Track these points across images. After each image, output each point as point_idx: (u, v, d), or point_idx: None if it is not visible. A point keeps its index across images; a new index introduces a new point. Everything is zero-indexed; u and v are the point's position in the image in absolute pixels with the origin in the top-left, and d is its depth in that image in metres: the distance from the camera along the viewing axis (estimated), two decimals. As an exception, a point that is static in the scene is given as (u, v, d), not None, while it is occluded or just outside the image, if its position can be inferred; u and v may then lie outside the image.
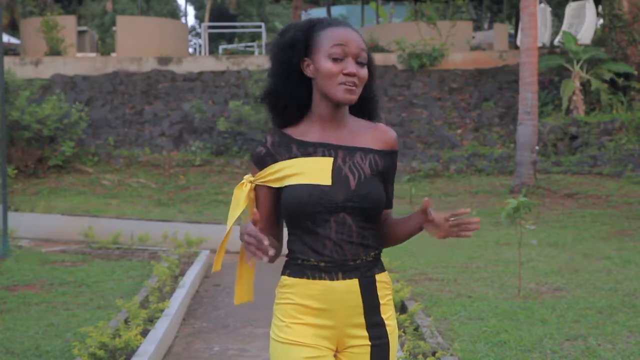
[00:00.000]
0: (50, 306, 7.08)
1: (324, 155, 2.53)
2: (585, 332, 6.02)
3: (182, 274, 8.53)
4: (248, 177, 2.58)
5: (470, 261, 9.24)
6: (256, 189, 2.57)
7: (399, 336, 5.57)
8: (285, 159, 2.54)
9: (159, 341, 5.70)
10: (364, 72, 2.52)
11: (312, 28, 2.56)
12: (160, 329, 6.00)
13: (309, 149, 2.55)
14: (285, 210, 2.52)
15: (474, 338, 5.88)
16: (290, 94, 2.59)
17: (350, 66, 2.49)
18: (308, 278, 2.51)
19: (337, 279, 2.50)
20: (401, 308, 6.56)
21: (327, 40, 2.51)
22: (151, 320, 6.25)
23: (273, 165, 2.54)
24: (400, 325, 5.73)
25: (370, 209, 2.51)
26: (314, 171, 2.49)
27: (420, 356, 5.08)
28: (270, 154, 2.55)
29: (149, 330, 5.95)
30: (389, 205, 2.65)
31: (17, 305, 7.09)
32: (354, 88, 2.50)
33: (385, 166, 2.59)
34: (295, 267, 2.53)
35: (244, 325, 6.91)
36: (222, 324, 7.01)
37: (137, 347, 5.41)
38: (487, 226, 12.16)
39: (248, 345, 6.30)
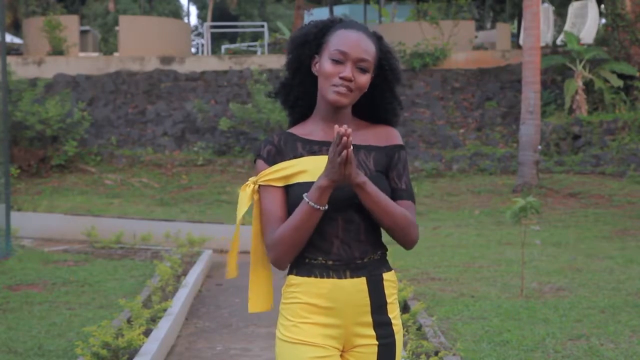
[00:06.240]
0: (52, 306, 7.09)
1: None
2: (588, 331, 6.02)
3: (185, 273, 8.54)
4: (252, 179, 2.59)
5: (473, 261, 9.23)
6: (262, 190, 2.56)
7: (402, 335, 5.57)
8: (290, 158, 2.55)
9: (161, 341, 5.71)
10: (362, 79, 2.52)
11: (327, 27, 2.58)
12: (163, 329, 6.00)
13: (314, 148, 2.56)
14: (292, 208, 2.52)
15: (477, 337, 5.87)
16: (300, 89, 2.62)
17: (347, 71, 2.49)
18: (316, 277, 2.51)
19: (346, 278, 2.51)
20: (404, 307, 6.56)
21: (334, 42, 2.53)
22: (154, 320, 6.25)
23: (279, 163, 2.55)
24: (403, 325, 5.72)
25: None
26: (320, 170, 2.49)
27: (423, 356, 5.08)
28: (279, 152, 2.57)
29: (151, 330, 5.96)
30: (404, 196, 2.59)
31: (19, 305, 7.09)
32: (346, 92, 2.50)
33: (389, 161, 2.60)
34: (303, 266, 2.53)
35: (246, 325, 6.92)
36: (224, 324, 7.01)
37: (140, 346, 5.41)
38: (490, 225, 12.15)
39: (251, 345, 6.30)
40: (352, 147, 2.36)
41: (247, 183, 2.58)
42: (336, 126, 2.35)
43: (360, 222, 2.51)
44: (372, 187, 2.46)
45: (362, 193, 2.45)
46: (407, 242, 2.57)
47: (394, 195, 2.58)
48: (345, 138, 2.32)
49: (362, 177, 2.43)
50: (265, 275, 2.66)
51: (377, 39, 2.59)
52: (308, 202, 2.43)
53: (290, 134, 2.60)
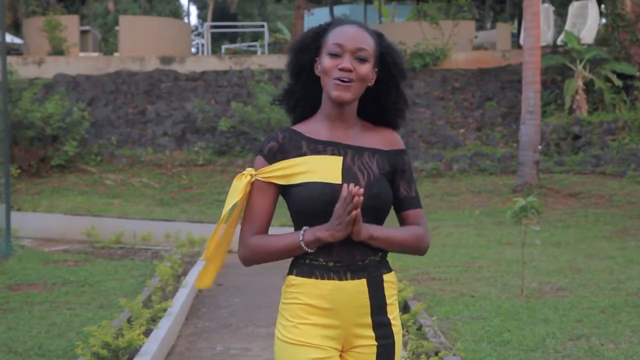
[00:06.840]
0: (53, 306, 7.09)
1: (333, 154, 2.54)
2: (588, 331, 6.02)
3: (185, 273, 8.53)
4: (250, 170, 2.57)
5: (473, 261, 9.23)
6: (257, 184, 2.56)
7: (402, 335, 5.58)
8: (294, 156, 2.54)
9: (161, 341, 5.71)
10: (363, 68, 2.51)
11: (324, 30, 2.59)
12: (163, 329, 6.00)
13: (318, 147, 2.55)
14: (295, 208, 2.52)
15: (477, 338, 5.87)
16: (303, 94, 2.62)
17: (345, 62, 2.49)
18: (317, 278, 2.51)
19: (346, 279, 2.51)
20: (404, 308, 6.56)
21: (330, 38, 2.54)
22: (154, 320, 6.25)
23: (282, 161, 2.54)
24: (403, 325, 5.73)
25: (380, 208, 2.52)
26: (325, 169, 2.50)
27: (423, 356, 5.08)
28: (282, 150, 2.55)
29: (151, 330, 5.96)
30: (415, 204, 2.63)
31: (20, 305, 7.09)
32: (348, 84, 2.49)
33: (393, 166, 2.60)
34: (303, 267, 2.53)
35: (246, 325, 6.91)
36: (224, 324, 7.01)
37: (140, 346, 5.41)
38: (490, 226, 12.15)
39: (251, 345, 6.30)
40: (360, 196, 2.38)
41: (243, 173, 2.56)
42: (344, 187, 2.38)
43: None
44: (379, 233, 2.50)
45: (373, 242, 2.50)
46: (419, 253, 2.63)
47: (406, 204, 2.61)
48: (357, 197, 2.35)
49: (366, 232, 2.47)
50: (223, 257, 2.69)
51: (377, 35, 2.59)
52: (300, 240, 2.47)
53: (295, 132, 2.59)
